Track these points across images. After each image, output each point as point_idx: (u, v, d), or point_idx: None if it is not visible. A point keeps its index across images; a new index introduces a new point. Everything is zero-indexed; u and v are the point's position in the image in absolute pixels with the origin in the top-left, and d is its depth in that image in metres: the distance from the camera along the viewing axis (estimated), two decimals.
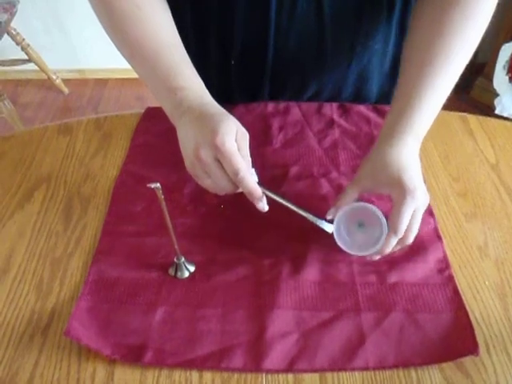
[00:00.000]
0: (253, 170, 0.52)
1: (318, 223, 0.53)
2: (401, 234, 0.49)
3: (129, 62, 0.57)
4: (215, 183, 0.50)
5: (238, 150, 0.48)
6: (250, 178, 0.48)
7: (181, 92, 0.52)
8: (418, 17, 0.58)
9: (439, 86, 0.54)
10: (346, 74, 0.75)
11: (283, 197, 0.52)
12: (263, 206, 0.51)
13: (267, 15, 0.64)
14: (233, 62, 0.72)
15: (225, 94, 0.77)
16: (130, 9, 0.54)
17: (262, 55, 0.70)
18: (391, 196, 0.51)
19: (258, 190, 0.49)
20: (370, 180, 0.53)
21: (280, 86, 0.76)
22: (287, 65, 0.72)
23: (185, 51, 0.57)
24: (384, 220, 0.50)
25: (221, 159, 0.47)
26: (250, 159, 0.51)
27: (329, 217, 0.53)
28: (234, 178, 0.48)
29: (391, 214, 0.50)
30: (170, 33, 0.57)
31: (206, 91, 0.55)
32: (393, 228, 0.49)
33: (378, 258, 0.53)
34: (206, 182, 0.50)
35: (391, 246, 0.50)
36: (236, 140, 0.48)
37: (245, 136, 0.50)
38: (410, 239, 0.51)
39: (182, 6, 0.66)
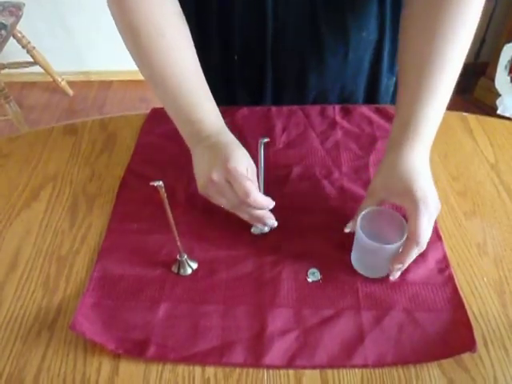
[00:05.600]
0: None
1: None
2: (423, 245, 0.49)
3: (148, 82, 0.60)
4: (229, 202, 0.54)
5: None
6: (260, 199, 0.52)
7: (199, 124, 0.57)
8: (408, 21, 0.58)
9: (439, 92, 0.55)
10: (345, 66, 0.75)
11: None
12: (273, 223, 0.57)
13: (264, 4, 0.66)
14: (236, 58, 0.73)
15: (229, 96, 0.78)
16: (155, 36, 0.56)
17: (262, 45, 0.71)
18: (404, 207, 0.51)
19: (268, 212, 0.55)
20: (383, 191, 0.54)
21: (282, 81, 0.77)
22: (286, 55, 0.73)
23: (204, 80, 0.60)
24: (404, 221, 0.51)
25: (232, 182, 0.52)
26: (257, 186, 0.55)
27: (347, 230, 0.55)
28: (244, 199, 0.51)
29: (409, 226, 0.50)
30: (193, 61, 0.60)
31: (223, 123, 0.59)
32: (414, 240, 0.49)
33: (398, 274, 0.52)
34: (221, 201, 0.55)
35: (412, 257, 0.50)
36: (246, 169, 0.53)
37: (253, 168, 0.55)
38: (425, 246, 0.51)
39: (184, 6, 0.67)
